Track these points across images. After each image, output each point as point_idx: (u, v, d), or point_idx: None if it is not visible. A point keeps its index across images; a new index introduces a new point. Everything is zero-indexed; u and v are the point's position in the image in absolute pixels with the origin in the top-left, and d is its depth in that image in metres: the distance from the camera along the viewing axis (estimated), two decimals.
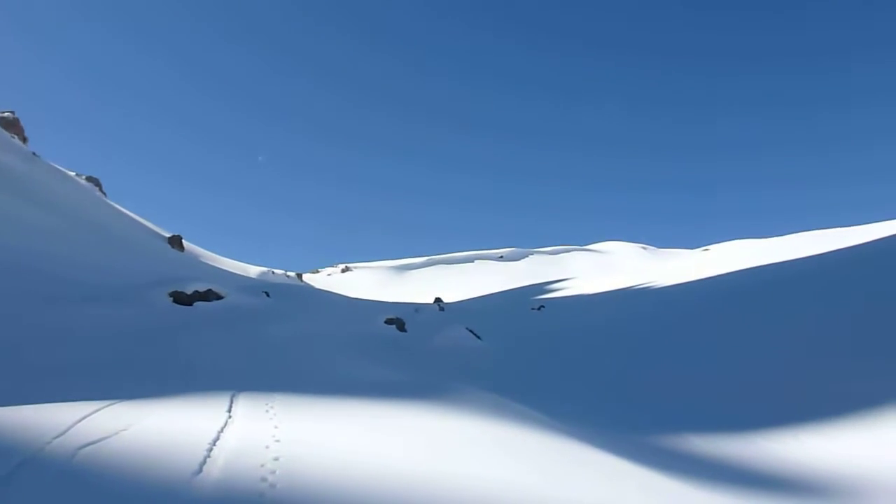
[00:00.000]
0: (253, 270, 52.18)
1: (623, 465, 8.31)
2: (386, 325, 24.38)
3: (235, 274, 41.58)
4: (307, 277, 76.29)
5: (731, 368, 17.07)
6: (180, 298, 21.08)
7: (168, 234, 43.87)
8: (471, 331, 24.34)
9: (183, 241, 44.16)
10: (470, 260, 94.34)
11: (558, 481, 6.50)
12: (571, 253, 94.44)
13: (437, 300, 43.81)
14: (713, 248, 60.76)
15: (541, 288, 50.43)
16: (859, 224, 42.88)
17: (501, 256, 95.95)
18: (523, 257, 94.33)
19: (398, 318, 25.26)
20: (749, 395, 14.96)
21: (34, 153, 40.69)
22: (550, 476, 6.67)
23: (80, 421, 6.11)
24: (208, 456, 5.38)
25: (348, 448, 6.32)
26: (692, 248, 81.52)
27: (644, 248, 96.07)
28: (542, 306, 35.22)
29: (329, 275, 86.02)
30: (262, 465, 5.25)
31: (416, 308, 33.63)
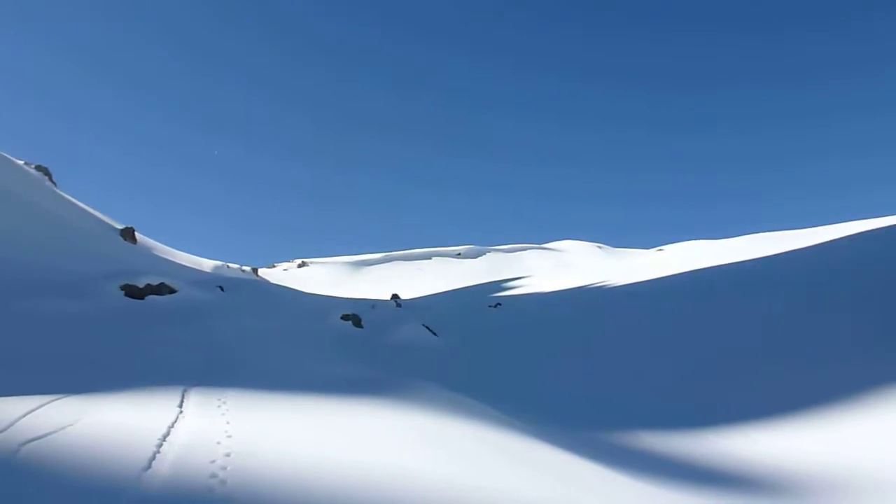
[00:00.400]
0: (207, 264, 51.28)
1: (571, 460, 8.41)
2: (342, 321, 24.27)
3: (189, 267, 40.88)
4: (263, 272, 75.26)
5: (684, 366, 17.41)
6: (132, 292, 20.68)
7: (120, 226, 42.91)
8: (427, 327, 24.40)
9: (135, 233, 43.23)
10: (427, 257, 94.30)
11: (488, 473, 6.47)
12: (528, 251, 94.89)
13: (394, 297, 43.65)
14: (667, 248, 61.81)
15: (498, 285, 50.67)
16: (806, 227, 44.13)
17: (459, 254, 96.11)
18: (480, 255, 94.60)
19: (354, 314, 25.16)
20: (701, 392, 15.28)
21: None
22: (482, 469, 6.62)
23: (24, 416, 5.97)
24: (158, 451, 5.30)
25: (300, 444, 6.28)
26: (647, 248, 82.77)
27: (600, 248, 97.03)
28: (499, 304, 35.40)
29: (285, 270, 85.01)
30: (213, 461, 5.19)
31: (373, 304, 33.49)
